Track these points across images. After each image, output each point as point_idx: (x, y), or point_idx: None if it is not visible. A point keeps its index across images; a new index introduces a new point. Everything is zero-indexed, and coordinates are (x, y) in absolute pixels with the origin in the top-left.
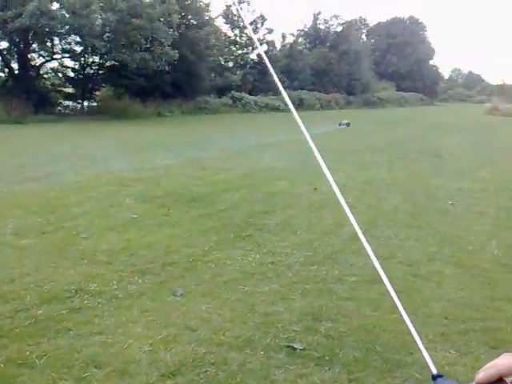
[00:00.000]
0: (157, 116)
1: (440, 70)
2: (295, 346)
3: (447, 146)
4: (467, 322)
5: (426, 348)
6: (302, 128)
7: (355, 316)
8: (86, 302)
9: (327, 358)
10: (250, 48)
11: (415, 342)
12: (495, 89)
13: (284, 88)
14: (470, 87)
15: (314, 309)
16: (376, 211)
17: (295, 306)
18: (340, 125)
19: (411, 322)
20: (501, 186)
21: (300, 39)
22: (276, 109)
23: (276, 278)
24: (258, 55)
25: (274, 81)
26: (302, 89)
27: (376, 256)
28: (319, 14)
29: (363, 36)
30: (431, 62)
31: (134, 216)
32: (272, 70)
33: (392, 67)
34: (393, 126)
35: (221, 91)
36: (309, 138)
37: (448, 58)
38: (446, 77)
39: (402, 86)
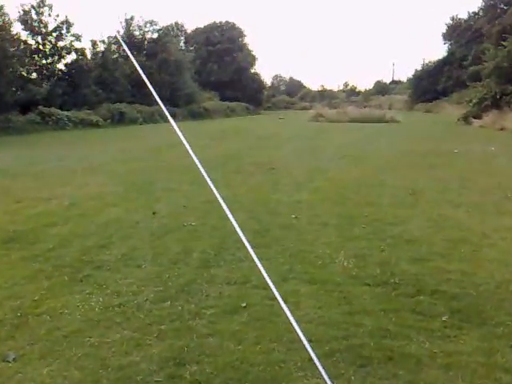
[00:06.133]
0: None
1: (262, 78)
2: None
3: (279, 157)
4: (331, 343)
5: (298, 377)
6: (183, 140)
7: (220, 353)
8: None
9: None
10: (57, 57)
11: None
12: (316, 94)
13: (100, 102)
14: (293, 94)
15: (174, 352)
16: (222, 232)
17: (153, 352)
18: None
19: (277, 351)
20: (338, 194)
21: (113, 47)
22: (94, 125)
23: (126, 322)
24: (67, 65)
25: (88, 93)
26: (120, 101)
27: (230, 282)
28: (132, 19)
29: (181, 43)
30: (253, 70)
31: None
32: (145, 78)
33: (214, 76)
34: (224, 139)
35: (25, 107)
36: (191, 153)
37: (268, 65)
38: (269, 84)
39: (226, 95)
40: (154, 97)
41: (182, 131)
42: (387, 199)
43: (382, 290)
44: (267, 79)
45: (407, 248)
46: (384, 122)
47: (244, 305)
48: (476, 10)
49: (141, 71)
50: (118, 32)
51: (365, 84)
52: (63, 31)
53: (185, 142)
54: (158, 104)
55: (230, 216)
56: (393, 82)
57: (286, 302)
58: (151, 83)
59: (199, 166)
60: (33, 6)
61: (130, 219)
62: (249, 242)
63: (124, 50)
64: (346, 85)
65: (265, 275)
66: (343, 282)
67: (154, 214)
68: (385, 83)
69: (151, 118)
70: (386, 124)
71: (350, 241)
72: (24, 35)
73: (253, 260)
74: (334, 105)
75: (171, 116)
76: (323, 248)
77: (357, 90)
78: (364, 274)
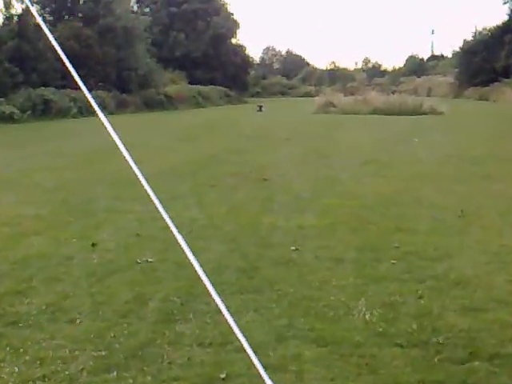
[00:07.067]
0: None
1: (248, 52)
2: None
3: (273, 164)
4: None
5: None
6: (116, 138)
7: None
8: None
9: None
10: None
11: None
12: (324, 75)
13: (17, 86)
14: (291, 74)
15: None
16: (191, 272)
17: None
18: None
19: None
20: (356, 217)
21: (36, 7)
22: (7, 118)
23: None
24: None
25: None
26: (46, 85)
27: (203, 343)
28: None
29: (132, 3)
30: (234, 41)
31: None
32: (62, 54)
33: (180, 49)
34: (195, 138)
35: None
36: (128, 157)
37: (257, 34)
38: (257, 60)
39: (197, 76)
40: (91, 79)
41: (119, 128)
42: (426, 223)
43: (419, 354)
44: (255, 54)
45: (455, 293)
46: (421, 114)
47: (223, 376)
48: None
49: (54, 41)
50: None
51: (393, 60)
52: None
53: (118, 140)
54: (98, 89)
55: (187, 251)
56: (432, 57)
57: (284, 371)
58: (91, 60)
59: (140, 176)
60: None
61: (59, 254)
62: (224, 286)
63: (51, 13)
64: (366, 61)
65: (239, 336)
66: (365, 341)
67: (93, 245)
68: (421, 59)
69: (90, 108)
70: (425, 117)
71: (375, 283)
72: None
73: (236, 311)
74: (349, 89)
75: (120, 105)
76: (336, 294)
77: (382, 69)
78: (394, 330)
